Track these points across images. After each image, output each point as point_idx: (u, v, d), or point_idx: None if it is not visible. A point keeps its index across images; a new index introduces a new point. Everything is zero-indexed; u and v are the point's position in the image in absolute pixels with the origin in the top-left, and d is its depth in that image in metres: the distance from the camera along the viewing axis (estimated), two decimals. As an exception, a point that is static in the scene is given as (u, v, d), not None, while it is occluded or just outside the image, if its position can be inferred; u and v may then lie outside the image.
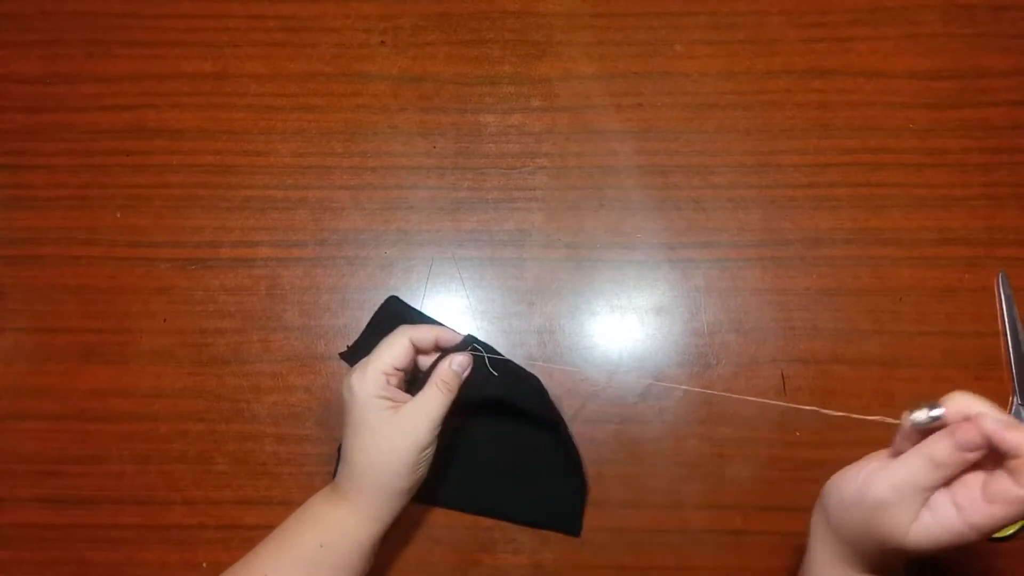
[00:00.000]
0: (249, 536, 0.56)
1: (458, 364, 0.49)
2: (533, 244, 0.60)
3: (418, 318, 0.59)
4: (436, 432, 0.47)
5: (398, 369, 0.48)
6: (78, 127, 0.63)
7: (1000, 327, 0.58)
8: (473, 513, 0.56)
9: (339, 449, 0.56)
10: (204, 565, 0.56)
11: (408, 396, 0.48)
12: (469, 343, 0.51)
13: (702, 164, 0.61)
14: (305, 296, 0.60)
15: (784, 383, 0.58)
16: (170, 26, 0.64)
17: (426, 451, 0.47)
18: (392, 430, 0.47)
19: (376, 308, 0.59)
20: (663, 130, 0.62)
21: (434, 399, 0.47)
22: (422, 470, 0.48)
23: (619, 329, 0.59)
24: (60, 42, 0.64)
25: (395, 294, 0.59)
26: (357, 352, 0.58)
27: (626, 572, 0.55)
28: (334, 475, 0.56)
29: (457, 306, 0.60)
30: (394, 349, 0.48)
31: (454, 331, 0.51)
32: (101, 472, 0.57)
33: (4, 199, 0.62)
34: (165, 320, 0.59)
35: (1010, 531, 0.55)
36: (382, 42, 0.64)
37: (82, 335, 0.59)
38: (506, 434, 0.56)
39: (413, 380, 0.52)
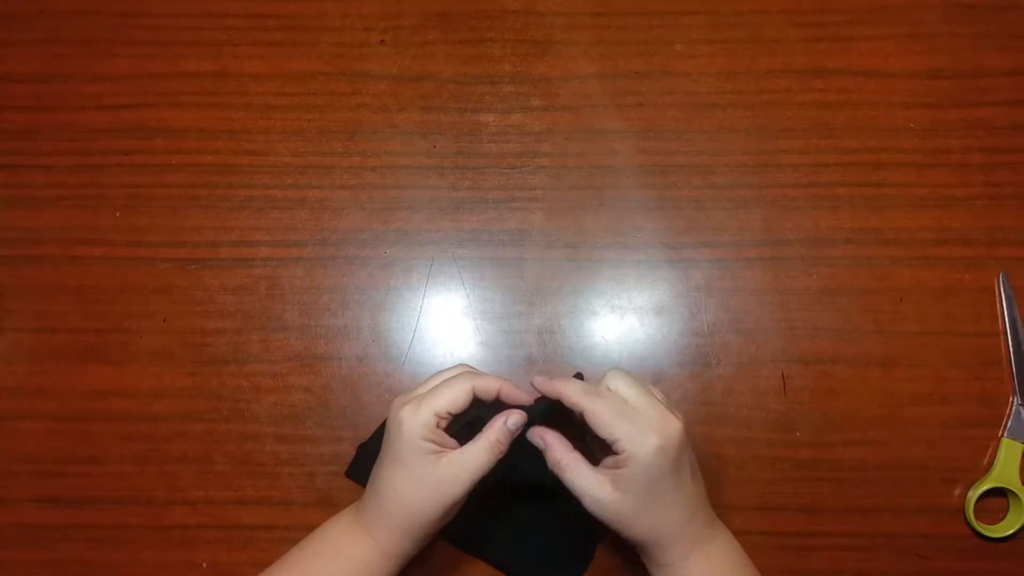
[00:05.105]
0: (249, 536, 0.56)
1: (513, 423, 0.46)
2: (533, 244, 0.60)
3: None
4: (473, 487, 0.46)
5: (451, 414, 0.46)
6: (77, 126, 0.63)
7: (1000, 327, 0.58)
8: (476, 556, 0.55)
9: (359, 448, 0.56)
10: (204, 565, 0.56)
11: (454, 443, 0.46)
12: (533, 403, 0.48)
13: (702, 164, 0.61)
14: (305, 296, 0.60)
15: (784, 383, 0.58)
16: (169, 25, 0.64)
17: (459, 503, 0.46)
18: (432, 478, 0.45)
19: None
20: (663, 130, 0.62)
21: (482, 456, 0.45)
22: (449, 519, 0.47)
23: (619, 329, 0.59)
24: (59, 41, 0.64)
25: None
26: (365, 461, 0.54)
27: (625, 572, 0.55)
28: (346, 473, 0.56)
29: (457, 306, 0.59)
30: (453, 394, 0.46)
31: (518, 388, 0.48)
32: (101, 472, 0.57)
33: (3, 199, 0.62)
34: (165, 320, 0.59)
35: (1010, 531, 0.55)
36: (382, 41, 0.64)
37: (82, 335, 0.59)
38: (521, 488, 0.54)
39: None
